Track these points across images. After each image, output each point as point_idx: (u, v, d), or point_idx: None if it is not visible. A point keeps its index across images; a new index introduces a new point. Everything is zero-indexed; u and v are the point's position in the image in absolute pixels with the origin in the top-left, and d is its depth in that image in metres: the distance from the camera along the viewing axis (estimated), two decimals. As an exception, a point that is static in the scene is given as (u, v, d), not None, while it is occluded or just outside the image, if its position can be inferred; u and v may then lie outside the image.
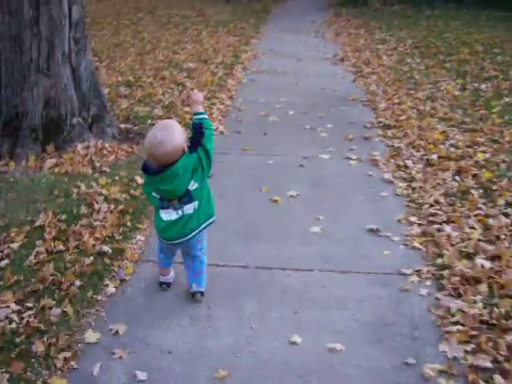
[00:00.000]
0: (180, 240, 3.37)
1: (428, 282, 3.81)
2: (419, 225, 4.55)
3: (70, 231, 4.26)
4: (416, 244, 4.25)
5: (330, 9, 19.83)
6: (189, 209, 3.26)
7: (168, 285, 3.73)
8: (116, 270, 3.91)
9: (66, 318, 3.40)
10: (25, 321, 3.33)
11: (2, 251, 4.02)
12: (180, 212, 3.26)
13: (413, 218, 4.64)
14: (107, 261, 3.96)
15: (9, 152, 5.48)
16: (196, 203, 3.26)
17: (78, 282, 3.71)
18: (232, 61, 10.67)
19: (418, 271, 3.92)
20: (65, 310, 3.46)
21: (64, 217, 4.47)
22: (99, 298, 3.63)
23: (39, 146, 5.55)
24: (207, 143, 3.22)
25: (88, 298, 3.60)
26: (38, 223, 4.37)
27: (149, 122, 6.96)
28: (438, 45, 12.22)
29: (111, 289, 3.72)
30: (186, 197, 3.21)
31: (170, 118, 7.05)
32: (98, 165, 5.45)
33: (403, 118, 7.24)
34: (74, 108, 5.74)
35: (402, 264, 4.01)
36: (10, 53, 5.37)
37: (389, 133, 6.73)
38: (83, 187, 4.95)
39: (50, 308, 3.47)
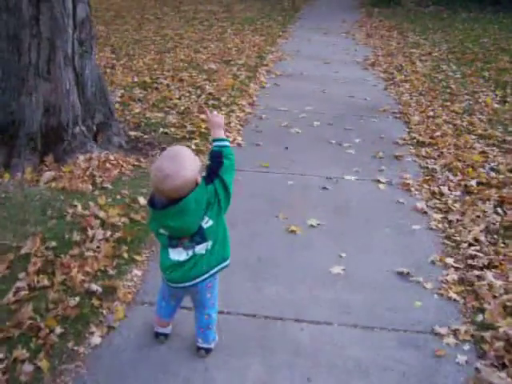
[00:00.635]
0: (187, 284, 2.87)
1: (466, 346, 3.26)
2: (456, 269, 3.99)
3: (57, 263, 3.76)
4: (452, 294, 3.69)
5: (361, 8, 19.19)
6: (201, 249, 2.79)
7: (165, 336, 3.22)
8: (105, 313, 3.39)
9: (39, 376, 2.89)
10: (-10, 379, 2.82)
11: (-22, 285, 3.52)
12: (190, 252, 2.79)
13: (449, 260, 4.07)
14: (95, 302, 3.46)
15: (4, 162, 5.01)
16: (209, 243, 2.80)
17: (58, 329, 3.21)
18: (256, 62, 10.12)
19: (454, 331, 3.36)
20: (39, 365, 2.94)
21: (53, 244, 3.98)
22: (81, 350, 3.12)
23: (37, 157, 5.07)
24: (226, 174, 2.76)
25: (68, 350, 3.10)
26: (23, 250, 3.88)
27: (161, 130, 6.44)
28: (475, 51, 11.57)
29: (96, 338, 3.21)
30: (199, 235, 2.75)
31: (184, 125, 6.55)
32: (99, 180, 4.94)
33: (438, 134, 6.65)
34: (76, 116, 5.24)
35: (435, 320, 3.46)
36: (6, 54, 4.88)
37: (422, 151, 6.14)
38: (79, 208, 4.45)
39: (23, 361, 2.96)
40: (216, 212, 2.74)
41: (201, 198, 2.65)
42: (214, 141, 2.86)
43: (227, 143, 2.84)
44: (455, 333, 3.34)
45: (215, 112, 2.97)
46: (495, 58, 10.84)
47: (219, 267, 2.90)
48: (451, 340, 3.28)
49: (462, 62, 10.64)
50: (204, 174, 2.78)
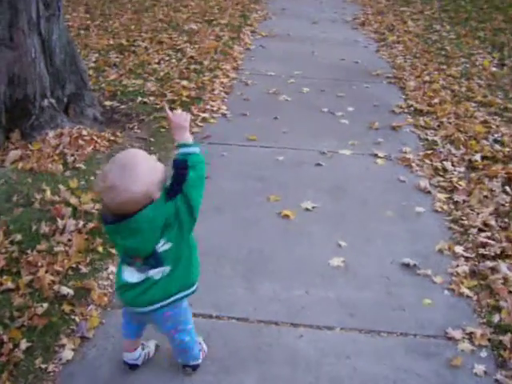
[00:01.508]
0: (139, 309, 2.38)
1: (484, 353, 2.91)
2: (467, 259, 3.63)
3: (23, 261, 3.32)
4: (464, 289, 3.34)
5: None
6: (156, 274, 2.27)
7: (132, 367, 2.70)
8: (77, 320, 2.98)
9: (2, 403, 2.48)
10: None
11: None
12: (143, 275, 2.28)
13: (458, 249, 3.71)
14: (66, 308, 3.05)
15: (-36, 140, 4.51)
16: (167, 268, 2.27)
17: (24, 343, 2.79)
18: (240, 22, 9.56)
19: (469, 334, 3.02)
20: (1, 389, 2.53)
21: (19, 237, 3.54)
22: (50, 367, 2.72)
23: (1, 134, 4.59)
24: (192, 190, 2.17)
25: (35, 369, 2.69)
26: (-16, 246, 3.42)
27: (139, 99, 5.96)
28: (469, 9, 11.09)
29: (68, 352, 2.80)
30: (153, 259, 2.23)
31: (164, 93, 6.06)
32: (70, 159, 4.48)
33: (436, 101, 6.25)
34: (44, 87, 4.74)
35: (447, 321, 3.12)
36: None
37: (421, 121, 5.74)
38: (48, 193, 3.99)
39: (-18, 385, 2.55)
40: (176, 234, 2.21)
41: (156, 218, 2.14)
42: (179, 146, 2.24)
43: (195, 149, 2.23)
44: (470, 337, 2.99)
45: (179, 110, 2.32)
46: (490, 17, 10.38)
47: (180, 296, 2.37)
48: (466, 346, 2.93)
49: (455, 22, 10.16)
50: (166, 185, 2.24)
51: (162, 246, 2.20)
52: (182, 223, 2.19)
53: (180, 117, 2.24)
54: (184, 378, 2.68)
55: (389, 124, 5.65)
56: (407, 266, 3.54)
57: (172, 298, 2.33)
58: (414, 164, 4.80)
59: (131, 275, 2.29)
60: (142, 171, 2.08)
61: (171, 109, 2.24)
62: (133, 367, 2.67)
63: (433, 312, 3.17)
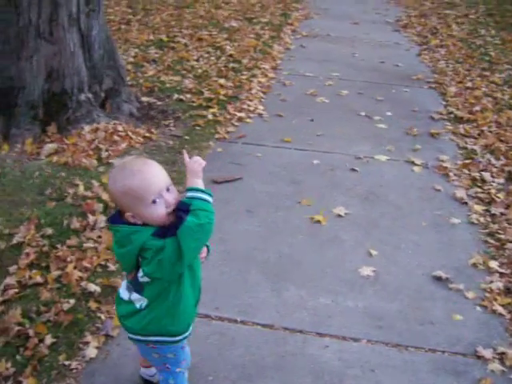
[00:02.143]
0: (128, 333, 2.23)
1: (515, 374, 2.80)
2: (501, 275, 3.52)
3: (52, 255, 3.34)
4: (497, 307, 3.24)
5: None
6: (136, 301, 2.10)
7: (147, 382, 2.61)
8: (103, 318, 2.98)
9: (24, 398, 2.50)
10: (-33, 400, 2.44)
11: (-38, 280, 3.13)
12: (128, 294, 2.14)
13: (493, 264, 3.60)
14: (93, 305, 3.05)
15: (3, 132, 4.58)
16: (145, 302, 2.08)
17: (49, 338, 2.79)
18: (280, 21, 9.51)
19: (500, 354, 2.91)
20: (24, 383, 2.54)
21: (50, 231, 3.56)
22: (74, 364, 2.71)
23: (38, 127, 4.63)
24: (185, 238, 1.89)
25: (58, 365, 2.69)
26: (16, 239, 3.47)
27: (175, 96, 5.96)
28: (516, 14, 10.79)
29: (92, 350, 2.80)
30: (135, 282, 2.08)
31: (201, 91, 6.08)
32: (105, 154, 4.50)
33: (477, 108, 6.11)
34: (82, 81, 4.77)
35: (477, 339, 3.02)
36: (4, 13, 4.38)
37: (460, 128, 5.62)
38: (81, 188, 4.01)
39: (7, 378, 2.57)
40: (154, 273, 1.97)
41: (130, 240, 1.95)
42: (188, 190, 2.01)
43: (204, 196, 1.97)
44: (501, 357, 2.90)
45: (196, 157, 2.10)
46: (538, 23, 10.11)
47: (159, 339, 2.15)
48: (496, 366, 2.84)
49: (500, 26, 9.92)
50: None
51: (142, 278, 2.03)
52: (164, 265, 1.92)
53: (195, 162, 2.05)
54: (205, 383, 2.65)
55: (427, 130, 5.54)
56: (439, 278, 3.45)
57: (150, 338, 2.15)
58: (451, 173, 4.70)
59: (123, 290, 2.17)
60: (138, 181, 1.91)
61: (189, 155, 2.12)
62: (147, 383, 2.61)
63: (463, 329, 3.08)
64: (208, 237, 1.98)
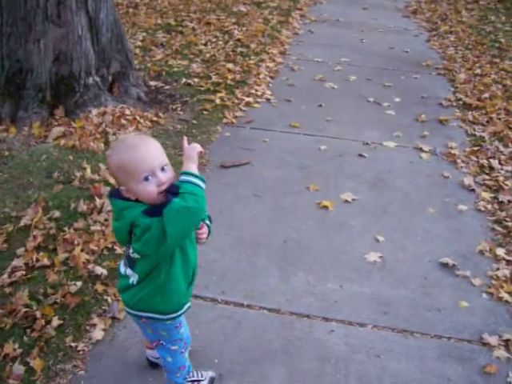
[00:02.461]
0: (124, 307, 2.25)
1: (521, 361, 2.79)
2: (508, 262, 3.51)
3: (60, 238, 3.35)
4: (503, 294, 3.24)
5: None
6: (130, 275, 2.11)
7: (152, 365, 2.62)
8: (109, 301, 2.99)
9: (32, 379, 2.52)
10: (-25, 381, 2.46)
11: (-30, 262, 3.14)
12: (124, 270, 2.14)
13: (500, 251, 3.59)
14: (99, 288, 3.06)
15: (10, 115, 4.58)
16: (136, 278, 2.09)
17: (56, 320, 2.81)
18: (289, 6, 9.45)
19: (506, 341, 2.92)
20: (32, 364, 2.56)
21: (57, 214, 3.57)
22: (80, 346, 2.72)
23: (46, 110, 4.63)
24: (169, 218, 1.85)
25: (65, 347, 2.70)
26: (23, 221, 3.48)
27: (183, 80, 5.94)
28: (527, 0, 10.67)
29: (98, 332, 2.81)
30: (128, 258, 2.10)
31: (209, 75, 6.05)
32: (112, 138, 4.49)
33: (486, 95, 6.06)
34: (89, 65, 4.75)
35: (483, 325, 3.02)
36: (12, -5, 4.36)
37: (469, 115, 5.58)
38: (88, 171, 4.01)
39: (14, 359, 2.58)
40: (141, 250, 1.98)
41: (122, 215, 1.96)
42: (181, 174, 1.95)
43: (193, 179, 1.91)
44: (507, 344, 2.90)
45: (193, 144, 2.04)
46: (549, 10, 10.01)
47: (149, 315, 2.15)
48: (502, 353, 2.84)
49: (511, 13, 9.81)
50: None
51: (132, 254, 2.04)
52: (150, 245, 1.90)
53: (191, 149, 2.00)
54: (212, 364, 2.67)
55: (436, 117, 5.51)
56: (446, 265, 3.44)
57: (141, 314, 2.16)
58: (459, 160, 4.68)
59: (122, 264, 2.18)
60: (133, 154, 1.90)
61: (189, 141, 2.09)
62: (153, 365, 2.62)
63: (469, 315, 3.08)
64: (195, 221, 1.95)
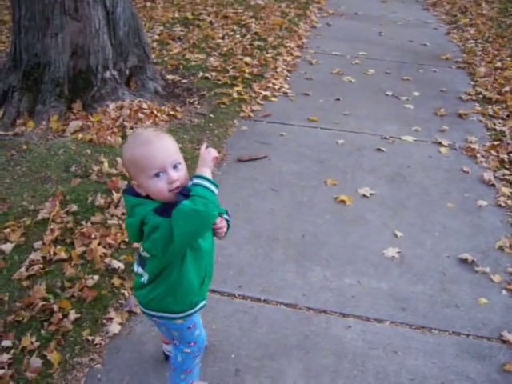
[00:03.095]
0: (139, 305, 2.24)
1: (541, 359, 2.75)
2: (529, 259, 3.44)
3: (77, 232, 3.36)
4: (524, 291, 3.17)
5: None
6: (142, 273, 2.10)
7: (168, 359, 2.61)
8: (126, 295, 2.99)
9: (49, 372, 2.52)
10: (-7, 373, 2.47)
11: (-11, 255, 3.16)
12: (137, 269, 2.14)
13: (520, 247, 3.52)
14: (116, 281, 3.06)
15: (28, 109, 4.60)
16: (146, 277, 2.08)
17: (73, 314, 2.81)
18: (307, -1, 9.37)
19: (526, 339, 2.85)
20: (49, 357, 2.57)
21: (74, 208, 3.58)
22: (97, 340, 2.73)
23: (64, 104, 4.63)
24: (177, 219, 1.82)
25: (82, 340, 2.71)
26: (41, 215, 3.49)
27: (200, 74, 5.92)
28: (549, -8, 10.50)
29: (115, 326, 2.81)
30: (139, 256, 2.10)
31: (226, 69, 6.03)
32: (129, 132, 4.49)
33: (507, 89, 5.98)
34: (107, 59, 4.75)
35: (503, 323, 2.98)
36: (30, -10, 4.37)
37: (489, 109, 5.51)
38: (106, 165, 4.02)
39: (32, 352, 2.59)
40: (150, 250, 1.98)
41: (134, 212, 1.94)
42: (194, 177, 1.91)
43: (205, 183, 1.87)
44: (528, 342, 2.85)
45: (211, 149, 1.98)
46: None
47: (160, 315, 2.14)
48: (522, 350, 2.79)
49: (533, 5, 9.69)
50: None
51: (143, 252, 2.03)
52: (158, 244, 1.88)
53: (206, 153, 1.96)
54: (229, 360, 2.65)
55: (455, 111, 5.45)
56: (465, 261, 3.40)
57: (153, 313, 2.15)
58: (478, 155, 4.62)
59: (135, 262, 2.17)
60: (145, 150, 1.88)
61: (207, 146, 2.06)
62: (169, 359, 2.58)
63: (488, 312, 3.04)
64: (204, 224, 1.90)
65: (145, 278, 2.08)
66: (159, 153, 1.88)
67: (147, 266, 2.05)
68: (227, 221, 2.20)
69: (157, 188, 1.89)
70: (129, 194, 1.97)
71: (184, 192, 1.87)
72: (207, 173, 1.91)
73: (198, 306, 2.18)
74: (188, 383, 2.37)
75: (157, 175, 1.87)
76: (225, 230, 2.17)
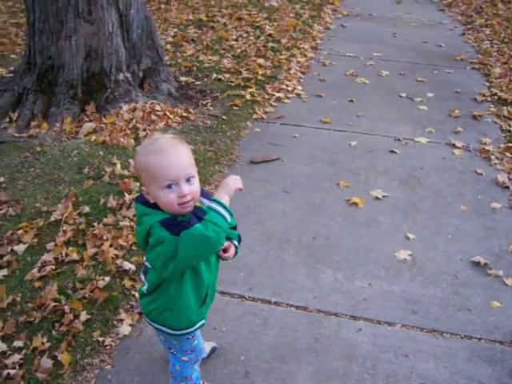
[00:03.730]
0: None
1: (555, 364, 2.72)
2: (543, 262, 3.40)
3: (89, 233, 3.37)
4: (538, 295, 3.13)
5: None
6: (144, 282, 2.10)
7: None
8: (137, 296, 3.00)
9: (59, 373, 2.54)
10: (4, 373, 2.50)
11: (2, 256, 3.19)
12: (142, 277, 2.14)
13: (534, 251, 3.49)
14: (127, 283, 3.07)
15: (42, 111, 4.63)
16: (146, 287, 2.08)
17: (84, 315, 2.83)
18: (321, 0, 9.34)
19: (540, 344, 2.82)
20: (59, 358, 2.58)
21: (87, 209, 3.60)
22: (107, 341, 2.74)
23: (77, 106, 4.66)
24: (185, 241, 1.78)
25: (92, 341, 2.72)
26: (54, 216, 3.51)
27: (214, 75, 5.93)
28: None
29: (125, 327, 2.83)
30: (143, 265, 2.09)
31: (239, 71, 6.03)
32: (142, 134, 4.51)
33: (523, 90, 5.88)
34: (120, 61, 4.78)
35: (517, 327, 2.93)
36: (44, -7, 4.40)
37: (504, 111, 5.46)
38: (118, 166, 4.04)
39: (43, 353, 2.61)
40: (153, 261, 1.95)
41: (142, 220, 1.91)
42: (211, 201, 1.88)
43: (221, 210, 1.84)
44: (541, 346, 2.81)
45: (238, 180, 1.97)
46: None
47: (159, 328, 2.12)
48: (535, 355, 2.76)
49: (550, 5, 9.60)
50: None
51: (146, 262, 2.02)
52: (159, 259, 1.87)
53: (234, 180, 1.95)
54: (238, 361, 2.65)
55: (470, 112, 5.41)
56: (477, 264, 3.37)
57: (153, 324, 2.13)
58: (493, 156, 4.58)
59: (142, 268, 2.15)
60: (163, 157, 1.84)
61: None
62: None
63: (501, 316, 3.01)
64: (210, 250, 1.88)
65: (145, 288, 2.08)
66: (173, 164, 1.83)
67: (148, 276, 2.03)
68: (236, 247, 2.15)
69: (167, 200, 1.85)
70: (139, 202, 1.95)
71: (199, 214, 1.84)
72: (225, 199, 1.88)
73: (197, 326, 2.15)
74: None
75: (169, 187, 1.83)
76: (231, 256, 2.13)
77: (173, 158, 1.84)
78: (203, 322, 2.18)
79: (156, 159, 1.84)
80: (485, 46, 7.44)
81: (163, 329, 2.11)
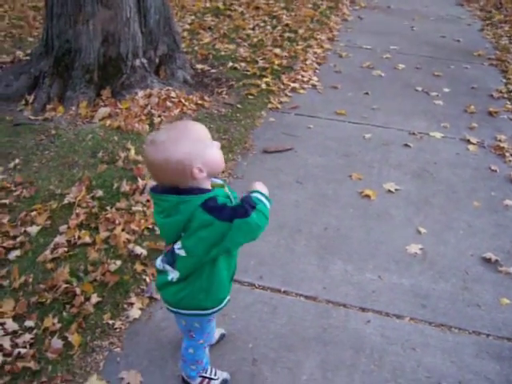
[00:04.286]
0: (165, 305, 2.23)
1: None
2: (554, 261, 3.39)
3: (102, 217, 3.40)
4: (548, 293, 3.12)
5: None
6: (170, 271, 2.06)
7: None
8: (148, 281, 3.02)
9: (69, 353, 2.56)
10: (15, 352, 2.52)
11: (15, 237, 3.21)
12: (162, 266, 2.10)
13: (546, 249, 3.47)
14: (138, 267, 3.09)
15: (58, 94, 4.65)
16: (176, 275, 2.05)
17: (95, 297, 2.85)
18: (339, -9, 9.29)
19: (548, 341, 2.82)
20: (70, 339, 2.61)
21: (100, 193, 3.62)
22: (118, 324, 2.76)
23: (93, 90, 4.67)
24: (239, 231, 1.86)
25: (103, 324, 2.74)
26: (67, 199, 3.54)
27: (230, 64, 5.93)
28: None
29: (135, 311, 2.85)
30: (170, 255, 2.03)
31: (255, 60, 6.02)
32: (157, 120, 4.52)
33: (540, 87, 5.84)
34: (137, 46, 4.78)
35: (526, 324, 2.92)
36: (62, -23, 4.41)
37: (521, 108, 5.40)
38: (132, 152, 4.06)
39: (53, 333, 2.63)
40: (192, 247, 1.94)
41: (178, 211, 1.87)
42: (254, 192, 1.97)
43: (266, 202, 1.94)
44: (549, 344, 2.81)
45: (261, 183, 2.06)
46: None
47: (189, 313, 2.14)
48: (543, 353, 2.76)
49: None
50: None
51: (178, 250, 1.98)
52: (203, 243, 1.90)
53: (261, 184, 2.04)
54: (247, 348, 2.67)
55: (485, 109, 5.38)
56: (488, 260, 3.37)
57: (182, 311, 2.14)
58: (508, 153, 4.56)
59: (159, 259, 2.14)
60: (190, 142, 1.87)
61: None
62: None
63: (510, 313, 3.01)
64: (255, 238, 1.93)
65: (174, 276, 2.05)
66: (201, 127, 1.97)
67: (178, 265, 2.01)
68: None
69: (220, 154, 1.96)
70: (169, 193, 1.90)
71: (251, 203, 1.88)
72: (266, 191, 1.99)
73: (225, 301, 2.19)
74: (199, 372, 2.39)
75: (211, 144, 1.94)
76: None
77: (197, 125, 1.96)
78: (229, 297, 2.22)
79: (195, 128, 1.94)
80: (503, 42, 7.39)
81: (195, 312, 2.13)
